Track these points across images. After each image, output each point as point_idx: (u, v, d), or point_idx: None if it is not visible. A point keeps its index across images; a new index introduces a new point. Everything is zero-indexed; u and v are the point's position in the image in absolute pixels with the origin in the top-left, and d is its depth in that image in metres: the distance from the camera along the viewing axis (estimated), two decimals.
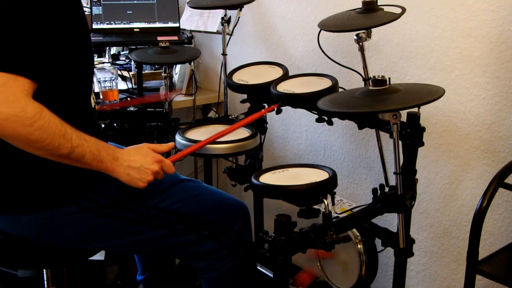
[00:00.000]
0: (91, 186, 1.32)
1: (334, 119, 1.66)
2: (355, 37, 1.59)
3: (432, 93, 1.28)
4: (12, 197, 1.31)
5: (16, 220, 1.32)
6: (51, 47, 1.20)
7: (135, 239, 1.39)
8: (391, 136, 1.36)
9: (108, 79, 2.07)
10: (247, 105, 1.90)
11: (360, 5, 1.59)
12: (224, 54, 2.10)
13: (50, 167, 1.26)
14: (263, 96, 1.77)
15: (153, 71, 2.51)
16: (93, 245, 1.42)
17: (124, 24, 2.40)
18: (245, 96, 1.87)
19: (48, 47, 1.19)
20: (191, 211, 1.42)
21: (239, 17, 2.09)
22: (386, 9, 1.56)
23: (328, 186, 1.34)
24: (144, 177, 1.28)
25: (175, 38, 2.33)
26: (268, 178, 1.41)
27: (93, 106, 1.42)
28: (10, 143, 1.16)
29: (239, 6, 2.01)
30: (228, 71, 1.97)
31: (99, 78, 2.07)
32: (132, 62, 2.47)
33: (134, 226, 1.36)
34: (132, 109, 2.01)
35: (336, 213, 1.69)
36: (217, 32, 2.30)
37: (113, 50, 2.70)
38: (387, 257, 1.95)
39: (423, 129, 1.47)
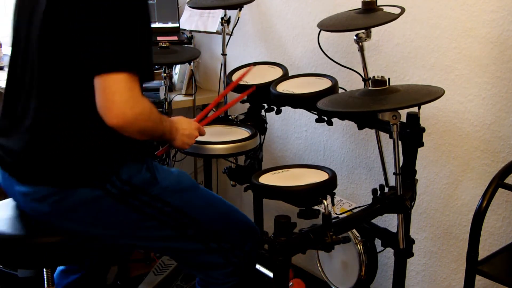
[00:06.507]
0: (118, 172, 1.31)
1: (334, 120, 1.66)
2: (355, 37, 1.59)
3: (432, 93, 1.28)
4: (51, 170, 1.28)
5: (40, 190, 1.31)
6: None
7: (144, 234, 1.37)
8: (391, 137, 1.36)
9: None
10: (247, 105, 1.90)
11: (360, 5, 1.59)
12: (223, 54, 2.10)
13: (87, 147, 1.26)
14: (263, 96, 1.77)
15: None
16: (102, 231, 1.38)
17: None
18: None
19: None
20: (205, 219, 1.41)
21: (238, 17, 2.09)
22: (385, 9, 1.57)
23: (328, 187, 1.34)
24: (190, 141, 1.49)
25: (175, 38, 2.33)
26: (268, 179, 1.41)
27: None
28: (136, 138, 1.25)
29: (239, 6, 2.01)
30: (228, 71, 1.97)
31: None
32: None
33: (145, 221, 1.34)
34: None
35: (336, 213, 1.69)
36: (217, 32, 2.30)
37: None
38: (387, 257, 1.94)
39: (423, 130, 1.47)
